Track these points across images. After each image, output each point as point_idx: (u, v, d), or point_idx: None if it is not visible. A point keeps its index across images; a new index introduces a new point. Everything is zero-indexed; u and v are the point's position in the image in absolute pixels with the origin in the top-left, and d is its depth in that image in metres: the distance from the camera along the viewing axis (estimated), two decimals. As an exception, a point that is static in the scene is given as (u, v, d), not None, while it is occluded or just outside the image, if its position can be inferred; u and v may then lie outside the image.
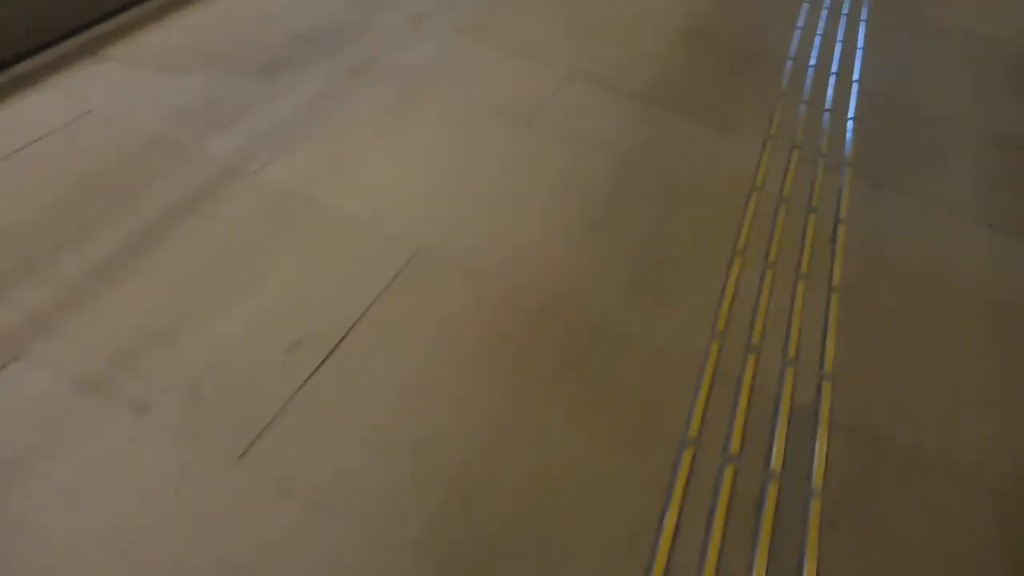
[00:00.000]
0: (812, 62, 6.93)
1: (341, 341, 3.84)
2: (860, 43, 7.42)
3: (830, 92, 6.57)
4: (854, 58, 7.14)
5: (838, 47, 7.27)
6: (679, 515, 3.44)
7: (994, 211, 5.59)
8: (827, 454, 3.78)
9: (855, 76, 6.85)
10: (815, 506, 3.57)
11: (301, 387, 3.60)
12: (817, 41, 7.29)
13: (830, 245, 5.02)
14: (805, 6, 7.89)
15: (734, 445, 3.74)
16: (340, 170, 4.74)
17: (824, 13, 7.84)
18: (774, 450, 3.75)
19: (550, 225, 4.67)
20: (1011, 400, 4.19)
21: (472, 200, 4.71)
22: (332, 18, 6.09)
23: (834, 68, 6.92)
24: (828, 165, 5.70)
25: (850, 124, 6.19)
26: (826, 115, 6.26)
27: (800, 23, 7.51)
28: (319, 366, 3.71)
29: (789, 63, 6.84)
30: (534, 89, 5.77)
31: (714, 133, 5.75)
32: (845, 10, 7.99)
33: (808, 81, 6.64)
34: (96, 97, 4.91)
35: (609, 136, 5.46)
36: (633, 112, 5.76)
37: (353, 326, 3.92)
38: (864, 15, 7.96)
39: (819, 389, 4.08)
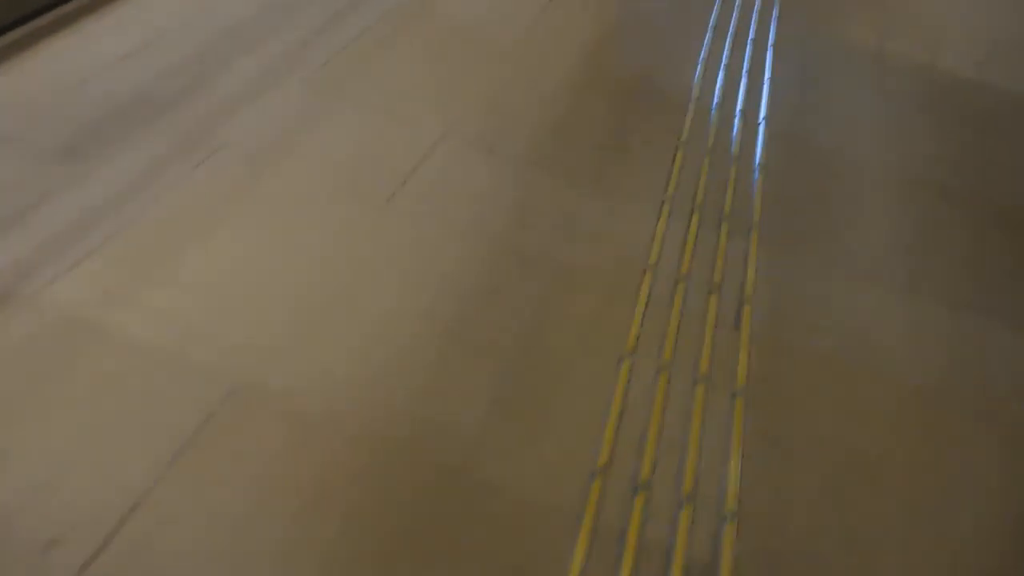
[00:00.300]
0: (716, 100, 6.30)
1: (117, 529, 3.02)
2: (767, 74, 6.81)
3: (735, 136, 5.94)
4: (761, 93, 6.53)
5: (743, 81, 6.66)
6: None
7: (919, 272, 5.02)
8: (728, 633, 3.09)
9: (761, 116, 6.23)
10: None
11: (52, 610, 2.77)
12: (721, 75, 6.66)
13: (734, 332, 4.36)
14: (709, 35, 7.26)
15: (615, 631, 3.02)
16: (143, 283, 3.91)
17: (728, 41, 7.22)
18: (664, 632, 3.05)
19: (401, 340, 3.91)
20: (944, 528, 3.57)
21: (306, 315, 3.92)
22: (162, 78, 5.21)
23: (739, 106, 6.29)
24: (732, 229, 5.05)
25: (756, 175, 5.55)
26: (731, 165, 5.62)
27: (703, 54, 6.88)
28: (80, 572, 2.88)
29: (691, 104, 6.18)
30: (398, 158, 4.99)
31: (605, 200, 5.06)
32: (752, 35, 7.39)
33: (711, 125, 6.00)
34: None
35: (483, 213, 4.72)
36: (513, 180, 5.04)
37: (136, 506, 3.11)
38: (772, 39, 7.37)
39: (719, 536, 3.40)
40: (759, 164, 5.64)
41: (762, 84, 6.63)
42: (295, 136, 4.94)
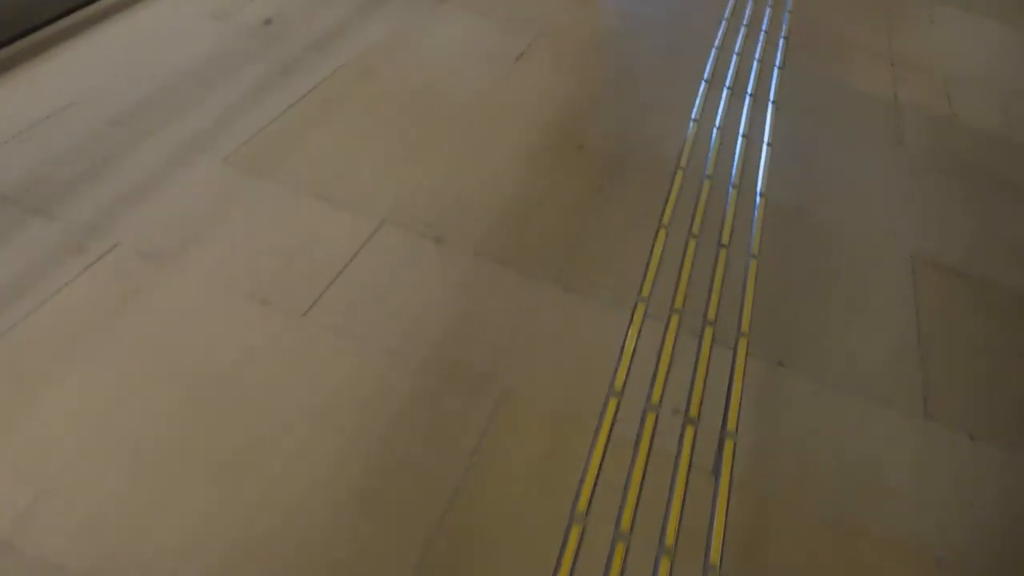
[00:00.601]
0: (706, 171, 5.55)
1: None
2: (767, 136, 6.06)
3: (727, 213, 5.19)
4: (759, 159, 5.78)
5: (739, 143, 5.91)
6: None
7: (934, 389, 4.27)
8: None
9: (759, 188, 5.48)
10: None
11: None
12: (714, 136, 5.92)
13: (711, 480, 3.61)
14: (703, 86, 6.53)
15: None
16: (-12, 434, 3.22)
17: (725, 94, 6.48)
18: None
19: (297, 505, 3.19)
20: None
21: (185, 471, 3.22)
22: (63, 157, 4.54)
23: (733, 177, 5.54)
24: (718, 337, 4.31)
25: (750, 264, 4.80)
26: (721, 252, 4.88)
27: (694, 114, 6.14)
28: None
29: (677, 175, 5.45)
30: (325, 252, 4.29)
31: (569, 300, 4.34)
32: (750, 89, 6.64)
33: (700, 201, 5.26)
34: None
35: (419, 324, 4.01)
36: (461, 276, 4.33)
37: None
38: (772, 95, 6.62)
39: None
40: (752, 251, 4.89)
41: (761, 148, 5.88)
42: (203, 229, 4.25)
